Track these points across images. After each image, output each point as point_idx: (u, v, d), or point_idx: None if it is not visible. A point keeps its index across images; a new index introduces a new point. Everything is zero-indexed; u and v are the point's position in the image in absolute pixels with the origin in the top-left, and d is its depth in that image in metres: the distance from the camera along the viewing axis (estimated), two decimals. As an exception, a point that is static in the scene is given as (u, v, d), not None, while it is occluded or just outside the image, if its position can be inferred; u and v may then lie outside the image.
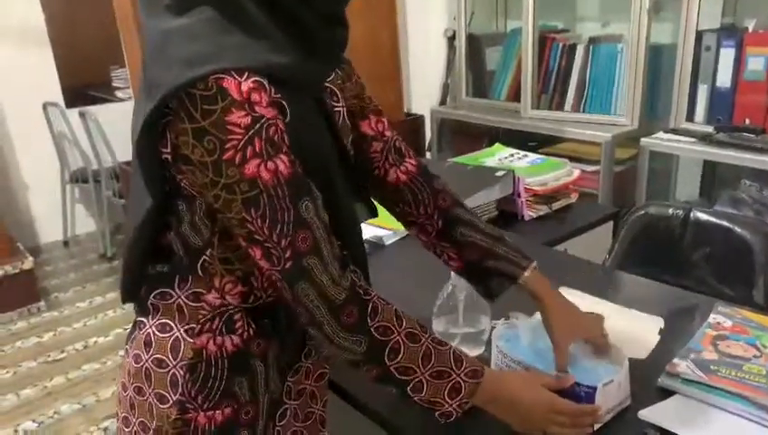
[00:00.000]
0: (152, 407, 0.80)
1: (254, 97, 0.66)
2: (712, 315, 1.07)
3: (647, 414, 0.86)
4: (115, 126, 3.26)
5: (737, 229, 1.28)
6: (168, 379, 0.78)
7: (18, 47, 3.50)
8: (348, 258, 0.76)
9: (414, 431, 0.91)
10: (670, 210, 1.40)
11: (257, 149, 0.67)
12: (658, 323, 1.10)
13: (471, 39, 3.04)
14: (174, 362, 0.79)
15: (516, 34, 2.78)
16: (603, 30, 2.70)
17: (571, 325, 0.89)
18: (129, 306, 0.86)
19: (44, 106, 3.57)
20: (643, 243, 1.43)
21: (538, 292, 0.92)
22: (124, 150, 3.18)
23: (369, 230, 1.50)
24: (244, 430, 0.81)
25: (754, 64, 2.08)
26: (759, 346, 0.98)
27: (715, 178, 2.42)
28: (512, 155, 1.90)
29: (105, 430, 2.20)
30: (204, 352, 0.78)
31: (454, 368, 0.78)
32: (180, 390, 0.78)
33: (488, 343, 0.99)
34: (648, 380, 0.93)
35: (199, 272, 0.78)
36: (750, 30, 2.13)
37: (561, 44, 2.65)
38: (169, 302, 0.80)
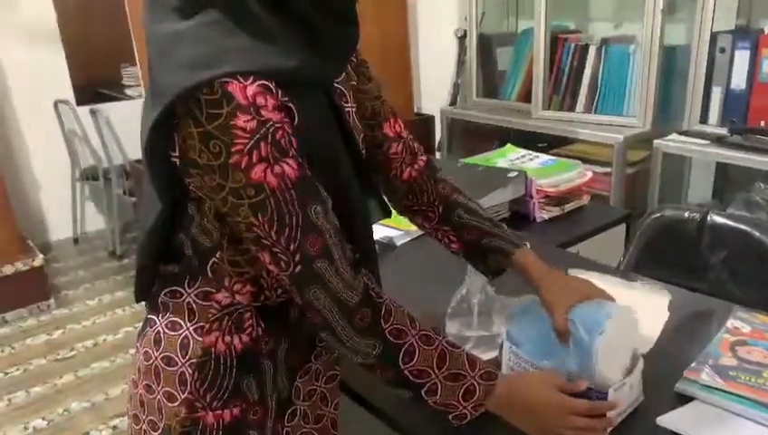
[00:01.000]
0: (161, 405, 0.80)
1: (260, 101, 0.66)
2: (730, 320, 1.05)
3: (665, 421, 0.85)
4: (126, 124, 3.27)
5: (756, 233, 1.26)
6: (177, 377, 0.78)
7: (30, 45, 3.52)
8: (359, 261, 0.76)
9: (426, 433, 0.90)
10: (686, 213, 1.37)
11: (263, 154, 0.66)
12: (667, 296, 1.11)
13: (482, 39, 3.03)
14: (183, 361, 0.78)
15: (528, 34, 2.76)
16: (616, 30, 2.68)
17: (563, 289, 0.88)
18: (139, 305, 0.86)
19: (55, 104, 3.58)
20: (658, 246, 1.41)
21: (528, 266, 0.92)
22: (134, 148, 3.19)
23: (379, 231, 1.49)
24: (252, 431, 0.81)
25: (770, 66, 2.05)
26: (778, 352, 0.96)
27: (728, 181, 2.39)
28: (523, 156, 1.88)
29: (114, 428, 2.20)
30: (213, 350, 0.78)
31: (468, 370, 0.78)
32: (189, 388, 0.78)
33: (502, 347, 0.98)
34: (666, 384, 0.92)
35: (209, 273, 0.78)
36: (766, 32, 2.10)
37: (573, 45, 2.62)
38: (179, 300, 0.80)
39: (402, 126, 0.98)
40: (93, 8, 4.05)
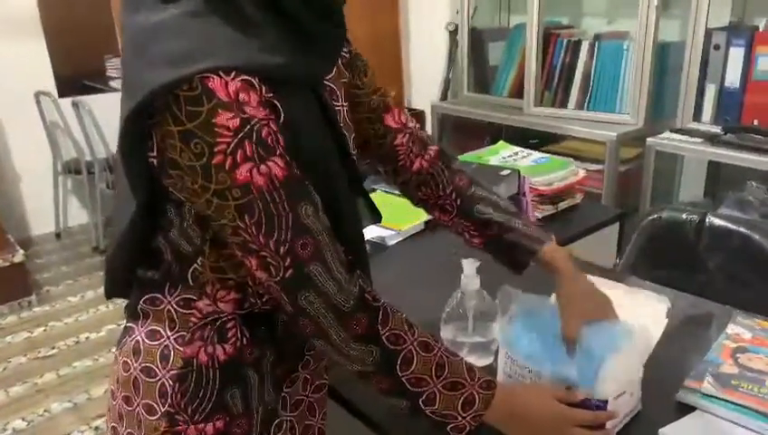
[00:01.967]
0: (141, 418, 0.76)
1: (243, 97, 0.62)
2: (730, 326, 1.02)
3: (668, 432, 0.82)
4: (109, 116, 3.17)
5: (755, 236, 1.24)
6: (157, 389, 0.74)
7: (10, 35, 3.43)
8: (354, 262, 0.72)
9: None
10: (684, 215, 1.35)
11: (248, 153, 0.62)
12: (666, 303, 1.10)
13: (473, 33, 2.99)
14: (163, 372, 0.74)
15: (520, 29, 2.73)
16: (609, 26, 2.66)
17: (584, 305, 0.87)
18: (122, 301, 0.81)
19: (37, 95, 3.50)
20: (656, 248, 1.39)
21: (557, 264, 0.91)
22: (118, 142, 3.11)
23: (371, 230, 1.45)
24: (237, 444, 0.76)
25: (765, 64, 2.04)
26: (780, 360, 0.93)
27: (720, 179, 2.38)
28: (516, 153, 1.85)
29: (97, 428, 2.15)
30: (194, 361, 0.74)
31: (467, 379, 0.74)
32: (169, 401, 0.74)
33: (497, 353, 0.94)
34: (666, 393, 0.89)
35: (190, 280, 0.74)
36: (761, 29, 2.08)
37: (565, 40, 2.60)
38: (159, 308, 0.76)
39: (408, 117, 0.95)
40: (76, -4, 3.94)
